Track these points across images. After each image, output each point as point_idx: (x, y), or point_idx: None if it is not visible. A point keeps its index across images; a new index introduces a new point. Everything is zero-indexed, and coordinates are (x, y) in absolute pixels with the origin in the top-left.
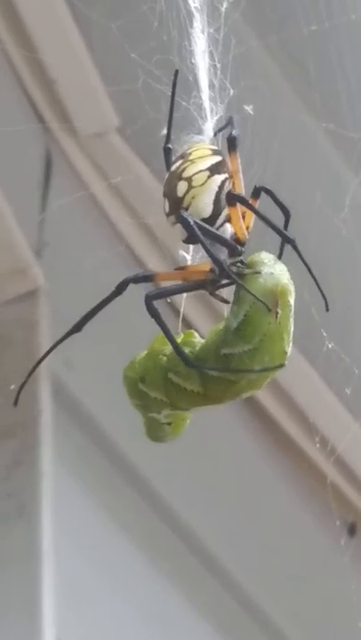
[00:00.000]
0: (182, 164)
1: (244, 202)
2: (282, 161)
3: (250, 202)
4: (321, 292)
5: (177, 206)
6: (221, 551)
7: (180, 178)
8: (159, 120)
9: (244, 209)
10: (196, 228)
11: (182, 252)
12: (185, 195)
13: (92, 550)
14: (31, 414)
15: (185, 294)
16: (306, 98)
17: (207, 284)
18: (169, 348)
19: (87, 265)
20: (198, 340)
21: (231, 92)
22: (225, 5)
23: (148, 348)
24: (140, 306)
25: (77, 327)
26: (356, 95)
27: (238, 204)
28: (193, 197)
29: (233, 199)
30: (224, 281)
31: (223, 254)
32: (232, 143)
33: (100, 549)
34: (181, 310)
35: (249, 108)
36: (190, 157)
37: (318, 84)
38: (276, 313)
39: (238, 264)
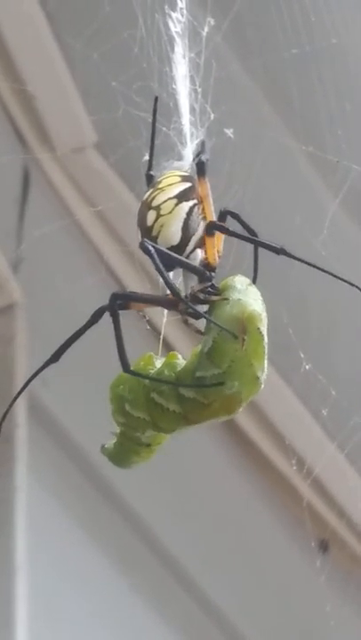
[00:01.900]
0: (152, 192)
1: (224, 230)
2: (262, 183)
3: (226, 227)
4: (345, 281)
5: (147, 235)
6: (196, 569)
7: (150, 207)
8: (140, 147)
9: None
10: (157, 257)
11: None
12: (154, 223)
13: (66, 565)
14: (6, 429)
15: (165, 319)
16: (286, 121)
17: (182, 312)
18: (153, 368)
19: (64, 280)
20: (181, 362)
21: (212, 115)
22: (206, 30)
23: (133, 367)
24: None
25: (55, 357)
26: (337, 119)
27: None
28: (161, 225)
29: (212, 229)
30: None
31: (193, 280)
32: (200, 168)
33: (74, 564)
34: (162, 333)
35: (229, 132)
36: (160, 185)
37: (299, 107)
38: (243, 339)
39: (209, 289)
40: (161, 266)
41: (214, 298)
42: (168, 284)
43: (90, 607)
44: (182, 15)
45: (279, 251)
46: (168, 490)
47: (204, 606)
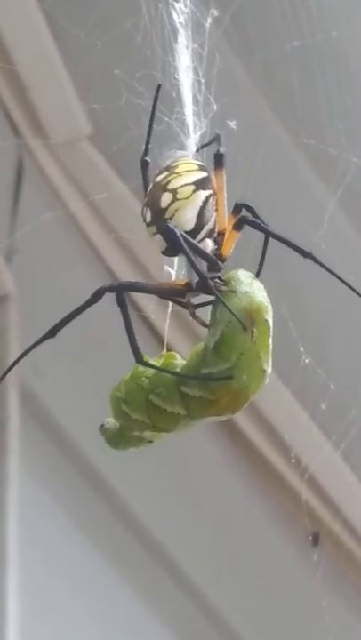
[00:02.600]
0: (168, 175)
1: (255, 226)
2: (264, 176)
3: (259, 223)
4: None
5: (159, 217)
6: (190, 565)
7: (165, 189)
8: (141, 136)
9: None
10: (182, 240)
11: (167, 268)
12: (169, 206)
13: (58, 558)
14: None
15: (168, 321)
16: (287, 114)
17: (188, 304)
18: (151, 370)
19: (57, 271)
20: (180, 362)
21: (215, 107)
22: (209, 21)
23: (131, 370)
24: (111, 316)
25: (52, 332)
26: (337, 112)
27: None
28: (177, 210)
29: (243, 223)
30: (200, 300)
31: (202, 269)
32: (219, 160)
33: (66, 557)
34: (166, 336)
35: (232, 124)
36: (177, 170)
37: (300, 100)
38: (252, 331)
39: (216, 280)
40: (186, 247)
41: (224, 288)
42: (193, 264)
43: (81, 601)
44: (185, 6)
45: (307, 254)
46: (162, 484)
47: (196, 601)
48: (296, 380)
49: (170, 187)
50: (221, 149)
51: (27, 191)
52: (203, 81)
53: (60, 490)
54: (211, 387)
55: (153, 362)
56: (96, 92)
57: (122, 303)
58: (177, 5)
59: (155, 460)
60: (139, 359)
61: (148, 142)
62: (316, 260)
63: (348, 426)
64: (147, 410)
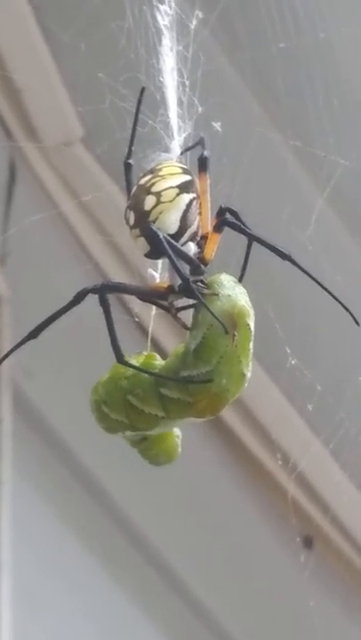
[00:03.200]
0: (152, 178)
1: (236, 228)
2: (250, 178)
3: (239, 225)
4: (342, 305)
5: (143, 220)
6: (180, 564)
7: (149, 192)
8: (126, 139)
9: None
10: (165, 242)
11: (151, 271)
12: (152, 209)
13: (51, 559)
14: None
15: (152, 322)
16: (274, 115)
17: (170, 306)
18: (130, 372)
19: (50, 272)
20: (159, 363)
21: (200, 109)
22: (194, 23)
23: (110, 371)
24: (102, 318)
25: (34, 334)
26: (324, 113)
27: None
28: (160, 212)
29: (223, 225)
30: (182, 303)
31: (185, 272)
32: (203, 163)
33: (59, 558)
34: (150, 331)
35: (217, 125)
36: (160, 173)
37: (286, 101)
38: (233, 335)
39: (199, 283)
40: (170, 250)
41: (206, 292)
42: (176, 267)
43: (74, 602)
44: (170, 7)
45: (286, 256)
46: (152, 485)
47: (187, 601)
48: (283, 381)
49: (154, 189)
50: (205, 153)
51: (19, 193)
52: (187, 83)
53: (52, 492)
54: (190, 389)
55: (132, 360)
56: (82, 94)
57: (104, 303)
58: (162, 7)
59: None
60: (119, 358)
61: (131, 145)
62: (294, 263)
63: (335, 427)
64: (125, 410)
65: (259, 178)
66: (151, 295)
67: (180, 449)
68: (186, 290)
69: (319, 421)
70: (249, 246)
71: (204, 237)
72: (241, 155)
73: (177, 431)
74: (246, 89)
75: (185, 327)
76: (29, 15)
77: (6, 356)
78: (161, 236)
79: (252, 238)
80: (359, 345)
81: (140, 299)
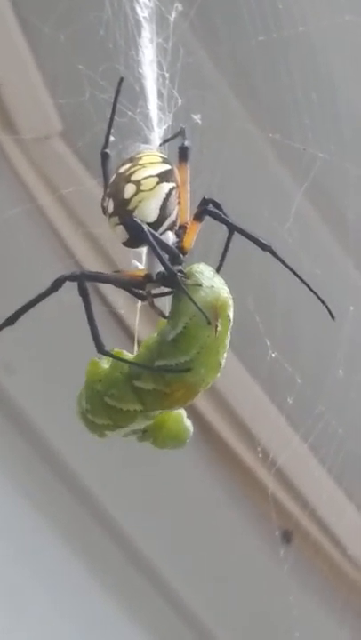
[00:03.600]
0: (132, 167)
1: (217, 217)
2: (229, 170)
3: (220, 215)
4: (319, 298)
5: (122, 208)
6: (161, 561)
7: (129, 180)
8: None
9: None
10: (149, 234)
11: (135, 262)
12: (132, 197)
13: (31, 557)
14: None
15: (138, 315)
16: (253, 108)
17: (147, 295)
18: (102, 374)
19: (29, 267)
20: (128, 357)
21: (179, 101)
22: (174, 15)
23: (85, 377)
24: (83, 314)
25: (11, 320)
26: (303, 107)
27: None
28: (140, 201)
29: (204, 214)
30: (160, 290)
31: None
32: (184, 153)
33: (39, 556)
34: (136, 334)
35: (197, 118)
36: (140, 162)
37: (266, 94)
38: (216, 326)
39: (179, 273)
40: (153, 240)
41: (189, 282)
42: (160, 257)
43: (53, 599)
44: (150, 0)
45: (266, 247)
46: (132, 480)
47: (168, 598)
48: (263, 374)
49: (133, 178)
50: (186, 143)
51: None
52: (167, 75)
53: (33, 489)
54: (166, 379)
55: (105, 364)
56: (62, 87)
57: (83, 292)
58: (141, 0)
59: (125, 457)
60: (100, 348)
61: (108, 134)
62: (274, 254)
63: (315, 420)
64: (106, 412)
65: (238, 170)
66: (128, 284)
67: (187, 427)
68: (167, 280)
69: (299, 414)
70: (229, 237)
71: (183, 227)
72: (221, 147)
73: (180, 411)
74: (225, 82)
75: (162, 316)
76: (7, 7)
77: None
78: (145, 228)
79: (232, 228)
80: (339, 338)
81: (117, 286)
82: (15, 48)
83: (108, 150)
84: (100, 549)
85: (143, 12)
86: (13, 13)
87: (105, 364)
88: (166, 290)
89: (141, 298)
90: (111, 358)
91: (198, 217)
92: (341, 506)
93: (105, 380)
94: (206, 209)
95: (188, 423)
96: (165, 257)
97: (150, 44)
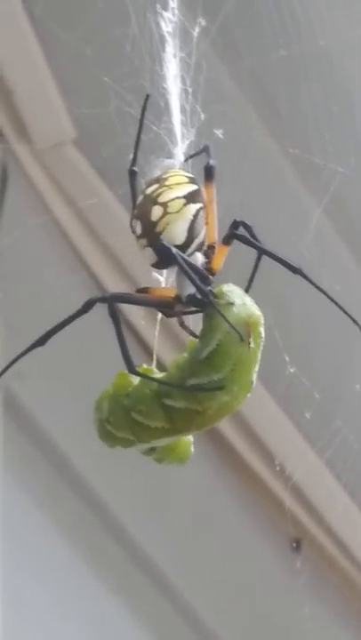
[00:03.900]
0: (158, 188)
1: (245, 241)
2: (250, 184)
3: (248, 239)
4: (351, 317)
5: (150, 230)
6: (170, 569)
7: (155, 202)
8: (128, 144)
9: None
10: (180, 258)
11: (156, 275)
12: (160, 220)
13: (40, 561)
14: None
15: (158, 328)
16: (274, 123)
17: (177, 313)
18: (130, 388)
19: (42, 276)
20: (157, 376)
21: (202, 116)
22: (197, 30)
23: (112, 388)
24: (94, 321)
25: (41, 341)
26: (323, 121)
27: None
28: (167, 223)
29: (232, 237)
30: (191, 308)
31: (189, 284)
32: (209, 173)
33: (47, 560)
34: (155, 346)
35: (219, 133)
36: (167, 183)
37: (286, 109)
38: (249, 343)
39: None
40: (185, 264)
41: (221, 301)
42: (192, 279)
43: (62, 605)
44: (173, 15)
45: (296, 270)
46: (144, 489)
47: (177, 606)
48: (281, 388)
49: (160, 200)
50: (211, 162)
51: (11, 196)
52: (190, 90)
53: (42, 493)
54: (199, 397)
55: (133, 379)
56: (84, 98)
57: (114, 314)
58: (165, 15)
59: (137, 465)
60: (131, 369)
61: (136, 152)
62: (305, 277)
63: (332, 435)
64: (130, 428)
65: (259, 185)
66: (158, 305)
67: (191, 450)
68: (198, 301)
69: (316, 430)
70: (258, 259)
71: (211, 247)
72: (241, 162)
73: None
74: (246, 96)
75: (193, 335)
76: (23, 16)
77: (10, 365)
78: (174, 252)
79: (262, 252)
80: (357, 353)
81: (146, 306)
82: (29, 56)
83: (135, 168)
84: (110, 555)
85: (167, 27)
86: (29, 22)
87: (134, 378)
88: (194, 309)
89: (172, 316)
90: (142, 371)
91: (227, 241)
92: (357, 521)
93: (133, 394)
94: (234, 233)
95: (192, 448)
96: (196, 279)
97: (174, 58)
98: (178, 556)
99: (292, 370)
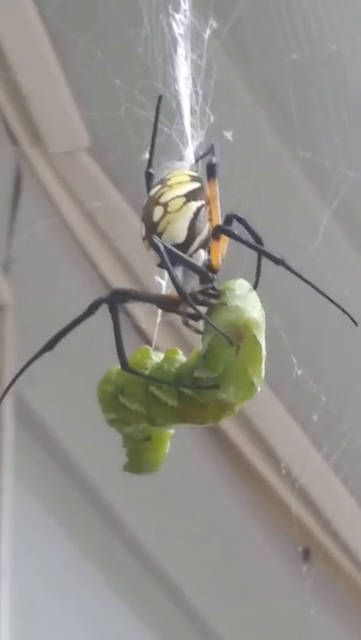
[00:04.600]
0: (160, 189)
1: (229, 234)
2: (259, 187)
3: (232, 231)
4: (340, 307)
5: (152, 231)
6: (180, 575)
7: (157, 203)
8: (139, 147)
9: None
10: (166, 255)
11: (157, 279)
12: (160, 219)
13: (51, 567)
14: None
15: (157, 327)
16: (284, 126)
17: (182, 313)
18: (150, 362)
19: (54, 280)
20: (181, 358)
21: (212, 118)
22: (208, 32)
23: (129, 360)
24: (105, 326)
25: (50, 345)
26: (334, 125)
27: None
28: (168, 222)
29: (218, 232)
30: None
31: (195, 280)
32: (211, 170)
33: (58, 567)
34: (154, 339)
35: (229, 135)
36: (169, 183)
37: (297, 112)
38: (238, 346)
39: (210, 291)
40: (169, 263)
41: (213, 301)
42: (175, 282)
43: (72, 611)
44: (185, 17)
45: (279, 261)
46: (153, 495)
47: (187, 612)
48: (288, 391)
49: (161, 200)
50: (214, 159)
51: (25, 200)
52: (200, 92)
53: (53, 499)
54: (200, 391)
55: (155, 356)
56: (96, 101)
57: (113, 310)
58: (177, 16)
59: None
60: (124, 365)
61: (151, 154)
62: (288, 267)
63: (339, 438)
64: (146, 401)
65: (268, 188)
66: (161, 303)
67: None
68: (195, 300)
69: (323, 432)
70: (259, 257)
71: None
72: (251, 164)
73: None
74: (257, 99)
75: (198, 332)
76: (37, 22)
77: (22, 371)
78: (162, 248)
79: (244, 243)
80: None
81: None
82: (43, 61)
83: (152, 170)
84: (120, 560)
85: (179, 29)
86: (43, 27)
87: (156, 355)
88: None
89: (177, 313)
90: (167, 350)
91: (215, 235)
92: None
93: (154, 369)
94: (218, 226)
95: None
96: (195, 276)
97: (185, 60)
98: (184, 560)
99: (299, 372)
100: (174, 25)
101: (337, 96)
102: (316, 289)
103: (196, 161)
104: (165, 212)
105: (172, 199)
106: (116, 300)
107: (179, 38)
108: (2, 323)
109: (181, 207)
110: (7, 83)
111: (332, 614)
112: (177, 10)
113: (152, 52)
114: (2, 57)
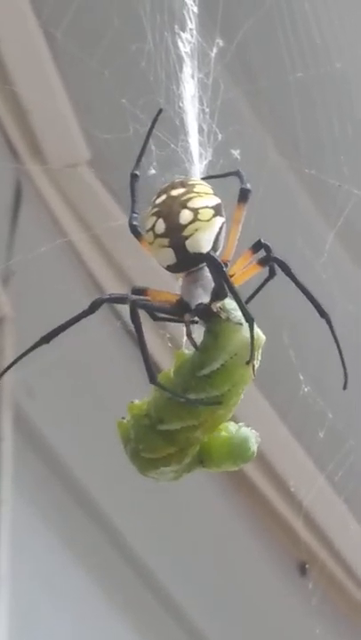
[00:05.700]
0: (186, 192)
1: (284, 268)
2: (266, 204)
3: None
4: (344, 368)
5: (176, 232)
6: (180, 590)
7: (185, 206)
8: (142, 164)
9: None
10: (216, 269)
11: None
12: (189, 224)
13: (48, 578)
14: None
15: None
16: (290, 144)
17: (185, 324)
18: (146, 407)
19: (54, 293)
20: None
21: (219, 136)
22: (215, 51)
23: (128, 414)
24: (104, 338)
25: (46, 339)
26: (339, 142)
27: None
28: (196, 230)
29: (271, 261)
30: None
31: (207, 294)
32: (245, 195)
33: (56, 578)
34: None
35: (236, 153)
36: (195, 189)
37: (302, 130)
38: (253, 365)
39: (219, 307)
40: (230, 281)
41: (231, 319)
42: (236, 298)
43: (69, 621)
44: (192, 35)
45: (324, 314)
46: (152, 508)
47: (186, 628)
48: (295, 408)
49: (190, 205)
50: (248, 186)
51: (25, 214)
52: (207, 110)
53: (51, 511)
54: (195, 412)
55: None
56: (99, 118)
57: (135, 318)
58: (183, 35)
59: (146, 485)
60: (152, 379)
61: (140, 156)
62: (330, 326)
63: (344, 455)
64: (162, 442)
65: (274, 205)
66: (170, 311)
67: (244, 439)
68: (205, 313)
69: (329, 449)
70: (267, 281)
71: (225, 263)
72: (257, 182)
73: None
74: (263, 117)
75: (195, 347)
76: (39, 37)
77: (15, 362)
78: (225, 268)
79: (298, 286)
80: None
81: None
82: (44, 76)
83: (137, 172)
84: (117, 573)
85: (185, 48)
86: (45, 42)
87: (145, 399)
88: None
89: (181, 322)
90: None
91: (264, 261)
92: None
93: (149, 410)
94: (273, 257)
95: (245, 434)
96: (209, 291)
97: (192, 79)
98: (182, 574)
99: (306, 389)
100: (180, 44)
101: (342, 114)
102: (338, 349)
103: (213, 177)
104: (195, 219)
105: (203, 208)
106: (136, 297)
107: (185, 57)
108: (1, 334)
109: (211, 219)
110: (8, 97)
111: (337, 631)
112: (183, 29)
113: (156, 70)
114: (3, 71)
